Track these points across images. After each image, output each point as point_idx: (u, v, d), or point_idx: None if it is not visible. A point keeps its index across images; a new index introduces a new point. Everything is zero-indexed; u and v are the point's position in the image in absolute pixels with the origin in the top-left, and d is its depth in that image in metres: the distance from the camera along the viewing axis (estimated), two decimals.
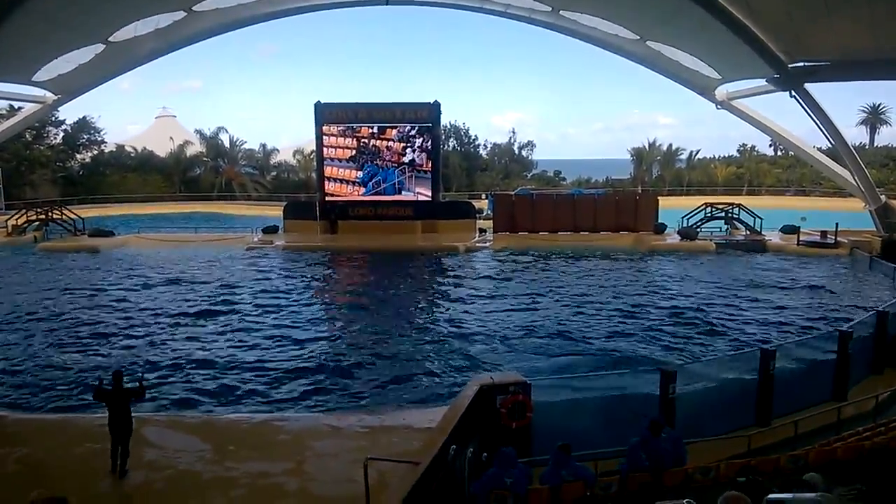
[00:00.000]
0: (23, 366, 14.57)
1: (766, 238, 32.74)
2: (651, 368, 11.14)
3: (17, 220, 35.91)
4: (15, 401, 12.52)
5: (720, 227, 35.12)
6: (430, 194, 35.25)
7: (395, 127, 34.91)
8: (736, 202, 35.99)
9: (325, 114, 35.07)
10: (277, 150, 63.62)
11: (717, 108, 33.85)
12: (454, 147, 63.02)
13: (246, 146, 62.66)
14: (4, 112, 48.55)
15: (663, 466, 7.26)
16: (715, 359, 12.96)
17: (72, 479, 8.79)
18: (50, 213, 36.52)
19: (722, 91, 33.21)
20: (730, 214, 35.16)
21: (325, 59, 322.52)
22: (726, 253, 30.67)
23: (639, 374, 10.99)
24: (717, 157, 72.37)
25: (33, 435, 10.38)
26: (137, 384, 9.43)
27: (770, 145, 68.35)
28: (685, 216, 34.76)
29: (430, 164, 35.16)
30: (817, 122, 28.99)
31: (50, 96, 33.83)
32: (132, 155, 62.37)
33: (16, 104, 42.79)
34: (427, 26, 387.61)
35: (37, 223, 36.04)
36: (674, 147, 65.71)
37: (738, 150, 71.77)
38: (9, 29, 21.78)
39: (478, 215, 37.61)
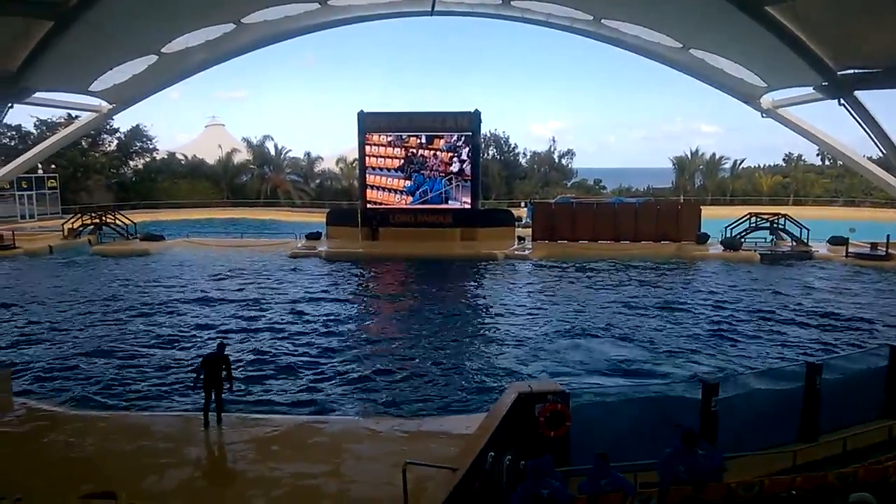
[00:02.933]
0: (74, 362, 15.16)
1: (813, 249, 31.92)
2: (692, 380, 11.01)
3: (73, 223, 37.31)
4: (65, 397, 13.01)
5: (765, 238, 34.36)
6: (469, 202, 35.42)
7: (443, 137, 35.16)
8: (782, 212, 35.18)
9: (368, 122, 35.51)
10: (321, 158, 64.63)
11: (763, 117, 33.13)
12: (494, 156, 63.14)
13: (291, 154, 63.99)
14: (63, 120, 50.59)
15: (703, 480, 7.12)
16: (759, 371, 12.71)
17: (120, 475, 9.13)
18: (104, 218, 37.83)
19: (767, 99, 32.50)
20: (775, 225, 34.35)
21: (369, 68, 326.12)
22: (771, 264, 30.03)
23: (680, 385, 10.86)
24: (761, 166, 70.81)
25: (84, 431, 10.76)
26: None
27: (818, 154, 66.48)
28: (729, 226, 34.13)
29: (470, 173, 35.36)
30: (868, 130, 28.14)
31: (105, 105, 35.00)
32: (182, 162, 64.25)
33: (73, 113, 44.47)
34: (469, 36, 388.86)
35: (91, 227, 37.36)
36: (717, 156, 64.64)
37: (783, 159, 70.13)
38: (68, 41, 22.71)
39: (517, 223, 37.59)
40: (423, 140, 35.22)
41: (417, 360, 15.59)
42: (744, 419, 9.78)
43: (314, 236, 35.35)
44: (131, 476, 9.14)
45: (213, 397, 10.88)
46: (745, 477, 7.52)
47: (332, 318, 19.84)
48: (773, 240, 34.39)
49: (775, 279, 26.44)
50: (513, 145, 65.58)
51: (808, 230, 33.09)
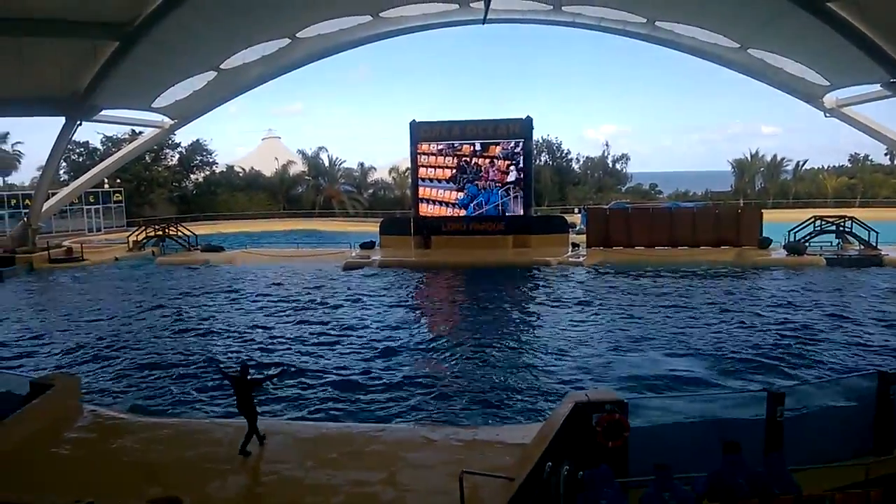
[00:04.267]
0: (139, 369, 15.65)
1: (883, 253, 30.48)
2: (757, 389, 10.65)
3: (137, 235, 38.79)
4: (132, 402, 13.38)
5: (831, 242, 33.07)
6: (522, 209, 35.24)
7: (499, 144, 35.10)
8: (848, 215, 33.78)
9: (420, 132, 35.76)
10: (374, 169, 65.66)
11: (826, 117, 31.99)
12: (546, 161, 62.75)
13: (345, 165, 65.19)
14: (127, 136, 52.73)
15: (769, 492, 6.87)
16: (827, 380, 12.21)
17: (184, 481, 9.30)
18: (167, 230, 39.16)
19: (831, 98, 31.38)
20: (841, 228, 33.02)
21: (421, 78, 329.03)
22: (838, 269, 28.84)
23: (743, 395, 10.53)
24: (825, 167, 68.42)
25: (149, 437, 10.99)
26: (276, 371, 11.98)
27: (885, 153, 63.71)
28: (792, 230, 32.96)
29: (522, 180, 35.18)
30: None
31: (167, 121, 36.37)
32: (240, 175, 66.13)
33: (137, 129, 46.32)
34: (520, 42, 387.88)
35: (155, 239, 38.72)
36: (778, 157, 62.70)
37: (848, 160, 67.68)
38: (133, 60, 23.72)
39: (570, 230, 37.21)
40: (478, 147, 35.18)
41: (472, 368, 15.52)
42: (813, 431, 9.40)
43: (368, 245, 35.75)
44: (195, 482, 9.33)
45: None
46: (815, 490, 7.23)
47: (386, 326, 19.97)
48: (839, 244, 33.06)
49: (843, 285, 25.37)
50: (565, 151, 65.39)
51: (878, 233, 31.67)
